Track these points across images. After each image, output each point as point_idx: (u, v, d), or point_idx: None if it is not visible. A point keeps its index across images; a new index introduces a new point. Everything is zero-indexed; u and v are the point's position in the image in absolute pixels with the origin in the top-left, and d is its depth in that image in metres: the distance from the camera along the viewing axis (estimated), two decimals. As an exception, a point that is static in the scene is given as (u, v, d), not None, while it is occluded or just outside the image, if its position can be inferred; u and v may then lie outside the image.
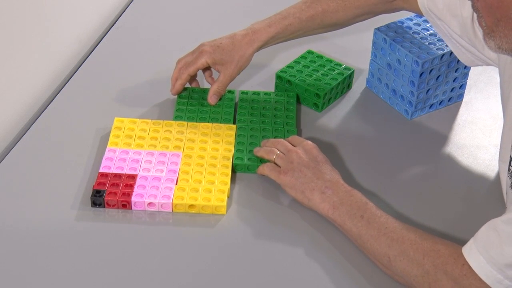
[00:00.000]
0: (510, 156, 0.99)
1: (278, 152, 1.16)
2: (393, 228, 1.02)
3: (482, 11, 0.87)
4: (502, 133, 1.06)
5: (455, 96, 1.35)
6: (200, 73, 1.41)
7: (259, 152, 1.18)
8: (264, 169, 1.16)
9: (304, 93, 1.33)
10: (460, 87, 1.35)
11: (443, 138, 1.29)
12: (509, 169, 1.00)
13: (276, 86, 1.36)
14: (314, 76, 1.35)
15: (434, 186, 1.20)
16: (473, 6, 0.89)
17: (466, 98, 1.37)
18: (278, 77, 1.35)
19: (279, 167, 1.15)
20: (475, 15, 1.09)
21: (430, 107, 1.33)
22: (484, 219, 1.14)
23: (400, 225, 1.03)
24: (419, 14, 1.24)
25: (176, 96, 1.33)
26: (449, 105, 1.36)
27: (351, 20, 1.30)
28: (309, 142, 1.17)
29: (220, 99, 1.32)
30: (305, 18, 1.29)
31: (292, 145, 1.17)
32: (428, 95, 1.31)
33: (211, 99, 1.30)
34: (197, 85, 1.35)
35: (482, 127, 1.31)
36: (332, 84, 1.33)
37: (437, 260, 0.97)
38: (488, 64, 1.18)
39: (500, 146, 1.07)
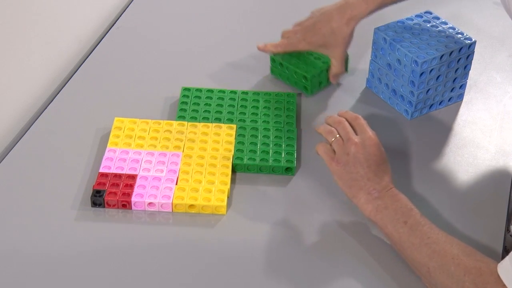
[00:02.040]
0: None
1: (338, 136, 1.12)
2: (436, 239, 1.00)
3: None
4: None
5: (455, 96, 1.35)
6: (197, 72, 1.41)
7: (320, 128, 1.15)
8: (320, 149, 1.13)
9: (294, 76, 1.35)
10: (460, 87, 1.35)
11: (443, 138, 1.29)
12: None
13: (271, 70, 1.40)
14: (307, 59, 1.36)
15: (434, 186, 1.20)
16: None
17: (466, 98, 1.37)
18: (272, 59, 1.38)
19: (334, 152, 1.12)
20: None
21: (430, 107, 1.33)
22: (484, 219, 1.14)
23: (444, 237, 1.00)
24: None
25: (178, 96, 1.33)
26: (449, 105, 1.36)
27: None
28: (371, 135, 1.11)
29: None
30: None
31: (354, 129, 1.12)
32: (428, 95, 1.31)
33: (333, 79, 1.36)
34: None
35: (482, 127, 1.31)
36: (322, 68, 1.34)
37: (478, 278, 0.94)
38: None
39: None
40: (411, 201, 1.06)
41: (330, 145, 1.12)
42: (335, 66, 1.33)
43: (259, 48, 1.38)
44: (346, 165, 1.09)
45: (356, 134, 1.12)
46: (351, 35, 1.31)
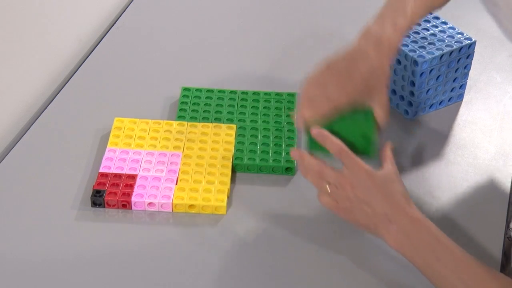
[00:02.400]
0: None
1: (330, 183, 1.02)
2: (470, 273, 0.92)
3: None
4: None
5: (455, 96, 1.35)
6: (197, 72, 1.41)
7: (307, 176, 1.04)
8: (323, 200, 1.04)
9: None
10: (460, 87, 1.35)
11: (443, 138, 1.29)
12: None
13: (310, 146, 1.08)
14: (346, 119, 1.08)
15: (434, 186, 1.20)
16: None
17: (466, 98, 1.37)
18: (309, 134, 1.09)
19: (336, 201, 1.02)
20: None
21: (430, 107, 1.33)
22: (485, 219, 1.14)
23: (478, 267, 0.93)
24: None
25: (178, 96, 1.33)
26: (449, 105, 1.36)
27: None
28: (362, 167, 1.00)
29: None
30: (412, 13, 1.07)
31: (341, 161, 1.02)
32: (428, 95, 1.31)
33: (379, 131, 1.10)
34: None
35: (482, 127, 1.31)
36: (371, 121, 1.08)
37: None
38: None
39: None
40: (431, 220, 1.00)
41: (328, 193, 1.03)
42: (382, 115, 1.08)
43: (299, 127, 1.11)
44: (352, 210, 1.01)
45: (346, 167, 1.01)
46: (389, 70, 1.08)
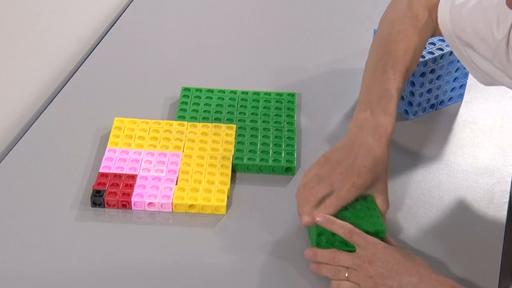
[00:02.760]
0: None
1: (346, 268, 0.99)
2: None
3: None
4: None
5: (455, 96, 1.35)
6: (197, 72, 1.41)
7: (322, 272, 1.01)
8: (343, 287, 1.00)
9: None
10: (460, 87, 1.35)
11: (443, 138, 1.29)
12: None
13: (317, 243, 1.04)
14: (351, 213, 1.06)
15: (434, 186, 1.20)
16: None
17: (466, 98, 1.37)
18: (317, 234, 1.04)
19: (356, 284, 0.99)
20: (510, 36, 1.01)
21: (430, 107, 1.33)
22: (485, 219, 1.14)
23: None
24: (433, 36, 1.16)
25: (178, 96, 1.33)
26: (449, 105, 1.36)
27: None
28: (375, 242, 0.99)
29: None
30: (405, 71, 1.11)
31: (354, 244, 1.00)
32: (428, 95, 1.31)
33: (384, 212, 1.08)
34: None
35: (482, 127, 1.31)
36: (378, 214, 1.07)
37: None
38: (509, 87, 1.09)
39: None
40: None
41: (347, 280, 1.00)
42: (384, 204, 1.07)
43: (306, 225, 1.06)
44: (377, 287, 0.97)
45: (359, 247, 1.00)
46: (388, 154, 1.08)
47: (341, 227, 1.01)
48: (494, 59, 1.05)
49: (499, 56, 1.04)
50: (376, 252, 0.98)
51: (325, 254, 1.01)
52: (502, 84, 1.09)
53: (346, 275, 0.99)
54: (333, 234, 1.02)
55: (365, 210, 1.05)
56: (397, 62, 1.11)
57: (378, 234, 1.03)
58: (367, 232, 1.01)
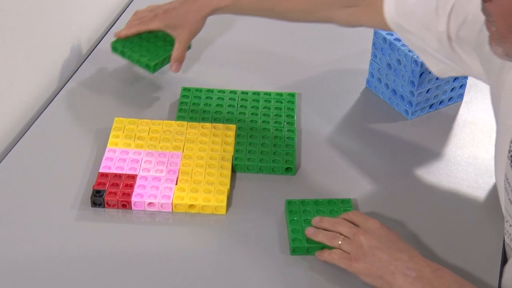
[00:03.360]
0: None
1: (342, 236, 1.04)
2: None
3: (496, 16, 0.80)
4: (496, 144, 1.02)
5: (455, 96, 1.36)
6: (197, 72, 1.41)
7: (318, 236, 1.05)
8: (332, 257, 1.03)
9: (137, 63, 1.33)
10: (460, 87, 1.35)
11: (443, 138, 1.29)
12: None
13: (113, 49, 1.36)
14: (148, 47, 1.34)
15: (434, 186, 1.20)
16: (483, 9, 0.82)
17: (466, 98, 1.37)
18: (114, 47, 1.35)
19: (347, 253, 1.02)
20: (451, 28, 1.06)
21: (430, 107, 1.33)
22: (485, 219, 1.14)
23: None
24: (384, 29, 1.19)
25: (178, 96, 1.33)
26: (449, 105, 1.36)
27: (302, 15, 1.24)
28: (375, 220, 1.05)
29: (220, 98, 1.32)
30: None
31: (354, 223, 1.06)
32: (428, 95, 1.31)
33: (173, 67, 1.32)
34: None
35: (482, 127, 1.31)
36: (164, 55, 1.32)
37: None
38: (463, 75, 1.15)
39: (495, 157, 1.03)
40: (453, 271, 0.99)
41: (339, 248, 1.04)
42: (177, 49, 1.31)
43: (115, 35, 1.36)
44: (366, 256, 1.00)
45: (359, 224, 1.06)
46: (200, 22, 1.30)
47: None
48: (440, 49, 1.10)
49: (445, 46, 1.09)
50: (374, 226, 1.04)
51: (329, 220, 1.07)
52: (455, 73, 1.14)
53: (340, 242, 1.03)
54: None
55: (158, 42, 1.35)
56: None
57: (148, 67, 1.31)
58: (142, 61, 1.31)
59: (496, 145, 1.02)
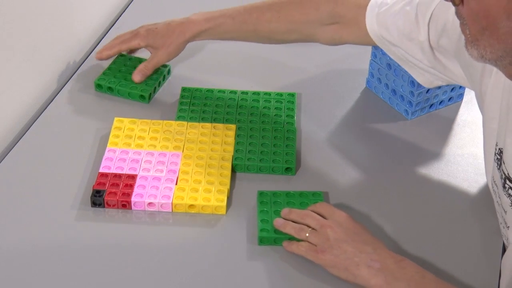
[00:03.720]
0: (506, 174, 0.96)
1: (310, 228, 1.06)
2: None
3: (467, 19, 0.82)
4: (483, 147, 1.04)
5: (455, 96, 1.35)
6: (197, 72, 1.41)
7: (286, 228, 1.07)
8: (300, 249, 1.05)
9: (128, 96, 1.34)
10: (460, 87, 1.35)
11: (443, 138, 1.29)
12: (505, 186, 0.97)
13: (96, 88, 1.36)
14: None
15: (434, 186, 1.20)
16: (457, 13, 0.84)
17: (466, 98, 1.37)
18: (98, 85, 1.35)
19: (314, 245, 1.04)
20: (431, 37, 1.10)
21: (430, 107, 1.33)
22: (485, 219, 1.14)
23: None
24: (367, 45, 1.22)
25: (177, 96, 1.33)
26: (449, 105, 1.36)
27: (285, 35, 1.28)
28: (342, 212, 1.07)
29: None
30: (238, 21, 1.29)
31: (322, 215, 1.07)
32: (428, 95, 1.31)
33: (135, 76, 1.34)
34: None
35: (482, 127, 1.31)
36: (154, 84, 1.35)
37: None
38: (449, 83, 1.17)
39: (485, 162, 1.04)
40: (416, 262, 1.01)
41: (306, 241, 1.05)
42: (148, 62, 1.34)
43: (97, 58, 1.39)
44: (332, 249, 1.02)
45: (326, 216, 1.07)
46: (181, 46, 1.33)
47: (314, 205, 1.09)
48: (423, 58, 1.13)
49: (428, 55, 1.12)
50: (341, 219, 1.06)
51: (298, 212, 1.08)
52: (441, 82, 1.17)
53: (307, 235, 1.05)
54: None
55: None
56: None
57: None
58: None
59: (483, 149, 1.04)
